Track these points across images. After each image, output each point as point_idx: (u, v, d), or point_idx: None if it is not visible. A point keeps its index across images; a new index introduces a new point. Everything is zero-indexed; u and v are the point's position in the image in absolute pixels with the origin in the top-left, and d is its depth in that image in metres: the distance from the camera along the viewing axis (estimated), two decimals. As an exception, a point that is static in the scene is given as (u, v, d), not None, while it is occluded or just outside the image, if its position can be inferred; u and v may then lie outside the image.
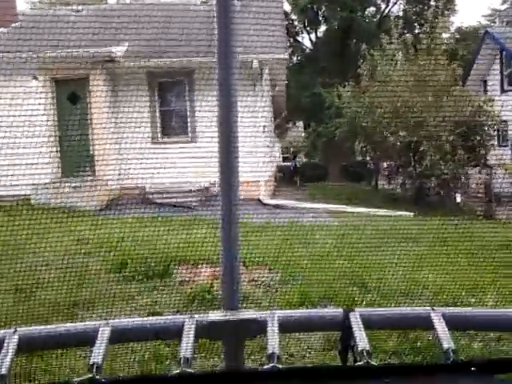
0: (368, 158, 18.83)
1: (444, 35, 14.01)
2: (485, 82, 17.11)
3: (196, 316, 1.19)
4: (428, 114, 11.09)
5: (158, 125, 11.50)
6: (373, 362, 1.00)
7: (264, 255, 5.69)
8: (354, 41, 23.33)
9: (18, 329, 1.20)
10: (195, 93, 11.20)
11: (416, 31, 20.02)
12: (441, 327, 1.16)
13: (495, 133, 13.19)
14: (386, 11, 26.22)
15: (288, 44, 18.51)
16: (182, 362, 1.00)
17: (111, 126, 9.64)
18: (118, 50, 10.55)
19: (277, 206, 10.63)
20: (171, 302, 4.19)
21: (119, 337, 1.18)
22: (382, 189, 16.41)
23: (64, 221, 5.21)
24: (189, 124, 11.55)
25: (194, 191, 9.72)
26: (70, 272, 4.29)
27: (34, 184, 8.13)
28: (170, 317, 1.27)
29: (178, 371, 0.96)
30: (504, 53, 16.47)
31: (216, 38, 1.43)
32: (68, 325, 1.27)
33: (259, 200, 10.78)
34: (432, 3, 22.82)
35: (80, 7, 12.07)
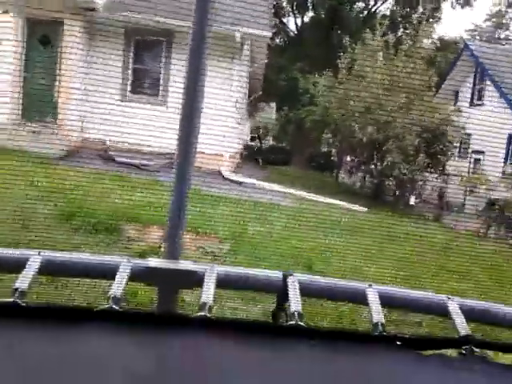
0: (333, 150, 19.04)
1: (426, 41, 14.19)
2: (457, 93, 17.52)
3: (134, 260, 1.20)
4: (397, 115, 11.30)
5: (129, 82, 11.23)
6: (302, 324, 1.03)
7: (217, 226, 5.72)
8: (339, 32, 23.36)
9: None
10: (172, 55, 10.97)
11: (399, 33, 20.20)
12: (374, 303, 1.21)
13: (458, 143, 13.58)
14: (374, 9, 26.37)
15: (273, 24, 18.35)
16: (110, 299, 1.01)
17: (80, 76, 9.34)
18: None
19: (237, 182, 10.64)
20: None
21: (50, 269, 1.18)
22: (343, 182, 16.69)
23: (19, 164, 5.07)
24: (161, 87, 11.32)
25: (157, 154, 9.60)
26: (15, 214, 4.20)
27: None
28: (106, 256, 1.27)
29: (105, 307, 0.97)
30: (479, 68, 16.88)
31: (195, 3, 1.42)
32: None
33: (221, 173, 10.77)
34: (420, 8, 23.09)
35: None
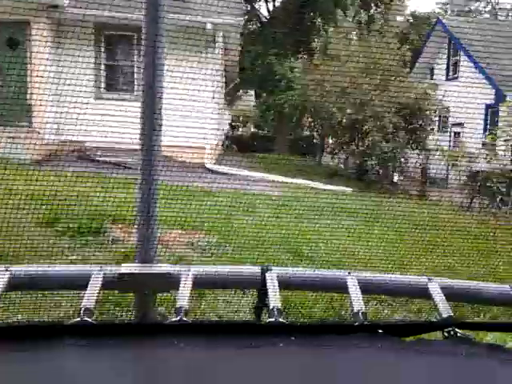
0: (315, 133, 19.07)
1: (398, 18, 14.20)
2: (432, 69, 17.59)
3: (106, 267, 1.16)
4: (374, 95, 11.32)
5: (102, 80, 11.06)
6: (282, 320, 1.02)
7: (202, 219, 5.68)
8: (311, 14, 23.26)
9: None
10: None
11: (371, 12, 20.18)
12: (354, 290, 1.20)
13: (436, 118, 13.66)
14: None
15: (244, 10, 18.19)
16: (82, 312, 0.97)
17: (51, 77, 9.16)
18: (64, -4, 9.98)
19: (220, 173, 10.60)
20: (102, 259, 4.11)
21: (19, 284, 1.14)
22: (326, 164, 16.73)
23: (-5, 171, 4.97)
24: (135, 82, 11.17)
25: (136, 151, 9.47)
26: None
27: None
28: (77, 267, 1.23)
29: (77, 320, 0.94)
30: (452, 42, 16.95)
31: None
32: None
33: (203, 165, 10.71)
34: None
35: None
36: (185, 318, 0.98)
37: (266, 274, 1.19)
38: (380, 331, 1.03)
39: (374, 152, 11.57)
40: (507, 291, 1.24)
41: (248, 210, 6.50)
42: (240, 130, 28.55)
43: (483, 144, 11.34)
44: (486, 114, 13.42)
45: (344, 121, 12.06)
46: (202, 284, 1.19)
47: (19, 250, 3.79)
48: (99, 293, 1.06)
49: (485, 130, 13.01)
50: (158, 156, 1.40)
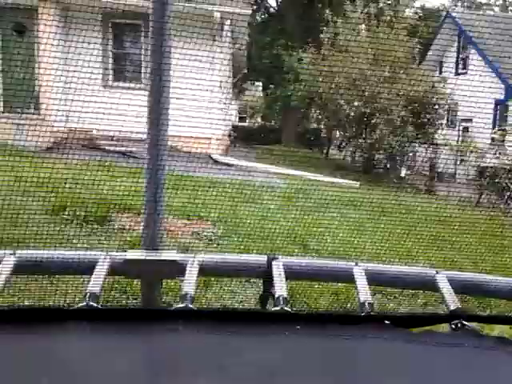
0: (322, 126, 18.99)
1: (407, 10, 14.06)
2: (441, 62, 17.44)
3: (112, 253, 1.16)
4: (383, 88, 11.24)
5: (110, 68, 11.04)
6: (287, 309, 1.01)
7: (209, 210, 5.69)
8: (320, 5, 23.07)
9: None
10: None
11: (380, 4, 20.00)
12: (361, 281, 1.19)
13: (445, 113, 13.56)
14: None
15: (253, 0, 18.09)
16: (87, 296, 0.97)
17: (59, 64, 9.15)
18: (72, -16, 9.94)
19: (227, 164, 10.59)
20: (109, 248, 4.13)
21: (25, 268, 1.14)
22: (333, 158, 16.67)
23: (4, 158, 4.98)
24: (143, 70, 11.14)
25: (144, 140, 9.47)
26: (4, 210, 4.13)
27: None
28: (83, 252, 1.23)
29: (83, 304, 0.94)
30: (462, 36, 16.78)
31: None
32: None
33: (210, 156, 10.70)
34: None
35: None
36: (191, 306, 0.98)
37: (273, 263, 1.18)
38: (387, 322, 1.02)
39: (381, 146, 11.52)
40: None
41: (253, 201, 6.49)
42: (247, 121, 28.47)
43: (492, 139, 11.25)
44: (496, 110, 13.31)
45: (352, 114, 12.00)
46: (207, 272, 1.19)
47: (26, 236, 3.80)
48: (105, 278, 1.06)
49: (494, 125, 12.91)
50: (164, 145, 1.40)
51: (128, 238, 4.59)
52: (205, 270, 1.15)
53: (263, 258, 1.21)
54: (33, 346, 0.82)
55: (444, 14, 19.99)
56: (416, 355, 0.96)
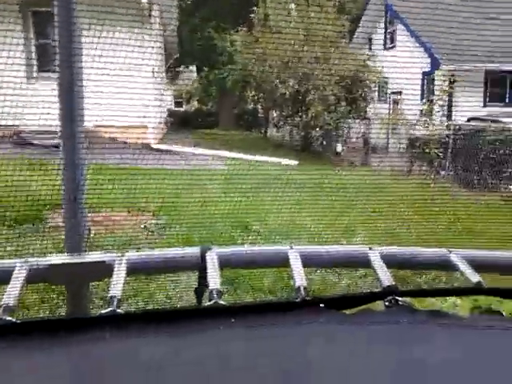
0: (259, 107, 19.01)
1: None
2: (370, 39, 17.80)
3: (32, 260, 1.08)
4: (315, 66, 11.36)
5: (34, 60, 10.49)
6: (222, 302, 0.98)
7: (149, 200, 5.57)
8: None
9: None
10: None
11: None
12: (296, 265, 1.18)
13: (376, 88, 13.91)
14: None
15: (180, -18, 17.68)
16: (1, 310, 0.89)
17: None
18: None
19: (166, 151, 10.41)
20: (42, 248, 3.95)
21: None
22: (272, 137, 16.76)
23: None
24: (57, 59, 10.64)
25: (58, 134, 9.10)
26: None
27: None
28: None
29: None
30: (388, 10, 17.16)
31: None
32: None
33: (148, 145, 10.46)
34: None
35: None
36: (118, 310, 0.92)
37: (206, 255, 1.15)
38: (321, 305, 1.01)
39: (317, 123, 11.68)
40: (445, 255, 1.26)
41: (194, 187, 6.42)
42: (184, 106, 28.06)
43: (421, 111, 11.66)
44: (423, 82, 13.77)
45: (287, 93, 12.07)
46: (137, 270, 1.14)
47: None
48: (23, 288, 0.98)
49: (422, 97, 13.37)
50: (81, 138, 1.31)
51: (62, 237, 4.41)
52: (134, 269, 1.10)
53: (196, 250, 1.17)
54: None
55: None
56: (353, 337, 0.96)
